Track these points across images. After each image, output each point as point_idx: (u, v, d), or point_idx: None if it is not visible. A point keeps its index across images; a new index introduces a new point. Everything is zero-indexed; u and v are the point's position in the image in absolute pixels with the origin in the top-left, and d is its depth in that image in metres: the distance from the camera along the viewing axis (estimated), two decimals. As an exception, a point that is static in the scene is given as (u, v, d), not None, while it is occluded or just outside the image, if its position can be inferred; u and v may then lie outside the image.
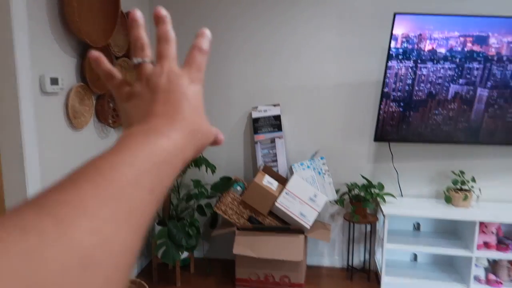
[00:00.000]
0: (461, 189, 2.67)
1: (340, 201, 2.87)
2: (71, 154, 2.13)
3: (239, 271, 2.67)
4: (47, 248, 0.21)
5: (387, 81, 2.48)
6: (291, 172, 2.76)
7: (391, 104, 2.54)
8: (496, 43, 2.35)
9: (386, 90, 2.50)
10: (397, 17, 2.35)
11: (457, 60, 2.40)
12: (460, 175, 2.71)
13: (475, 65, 2.40)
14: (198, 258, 3.16)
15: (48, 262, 0.21)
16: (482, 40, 2.36)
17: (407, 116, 2.55)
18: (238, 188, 2.71)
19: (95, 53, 0.44)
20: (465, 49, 2.37)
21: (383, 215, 2.56)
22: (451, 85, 2.45)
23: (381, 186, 2.75)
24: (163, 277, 2.88)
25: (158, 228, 2.82)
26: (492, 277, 2.55)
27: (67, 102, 2.05)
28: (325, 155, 2.88)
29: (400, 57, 2.42)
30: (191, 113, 0.40)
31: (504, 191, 2.75)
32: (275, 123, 2.84)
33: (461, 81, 2.44)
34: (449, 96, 2.48)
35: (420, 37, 2.38)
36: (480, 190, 2.76)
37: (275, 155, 2.84)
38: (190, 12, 2.89)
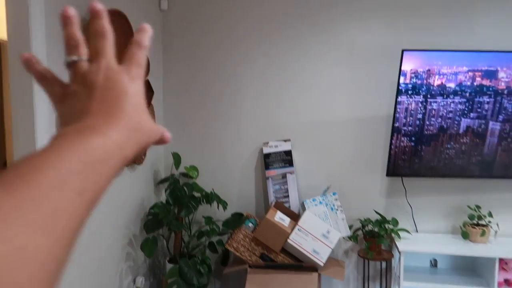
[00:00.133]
0: (478, 224, 2.61)
1: (353, 237, 2.81)
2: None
3: (251, 311, 2.60)
4: None
5: (398, 116, 2.49)
6: (303, 208, 2.74)
7: (403, 138, 2.53)
8: (505, 77, 2.37)
9: (397, 124, 2.51)
10: (405, 53, 2.39)
11: (467, 94, 2.41)
12: (476, 209, 2.66)
13: (486, 99, 2.40)
14: (210, 297, 3.09)
15: None
16: (491, 75, 2.37)
17: (419, 151, 2.54)
18: (250, 224, 2.68)
19: (26, 54, 0.41)
20: (475, 84, 2.39)
21: (399, 252, 2.50)
22: (462, 119, 2.45)
23: (395, 222, 2.70)
24: (173, 317, 2.81)
25: (169, 266, 2.79)
26: (515, 317, 2.44)
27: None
28: (337, 191, 2.85)
29: (410, 92, 2.44)
30: (132, 110, 0.38)
31: (523, 226, 2.68)
32: (286, 158, 2.84)
33: (472, 115, 2.44)
34: (461, 130, 2.47)
35: (429, 73, 2.40)
36: (497, 225, 2.69)
37: (287, 190, 2.83)
38: (199, 46, 2.97)
